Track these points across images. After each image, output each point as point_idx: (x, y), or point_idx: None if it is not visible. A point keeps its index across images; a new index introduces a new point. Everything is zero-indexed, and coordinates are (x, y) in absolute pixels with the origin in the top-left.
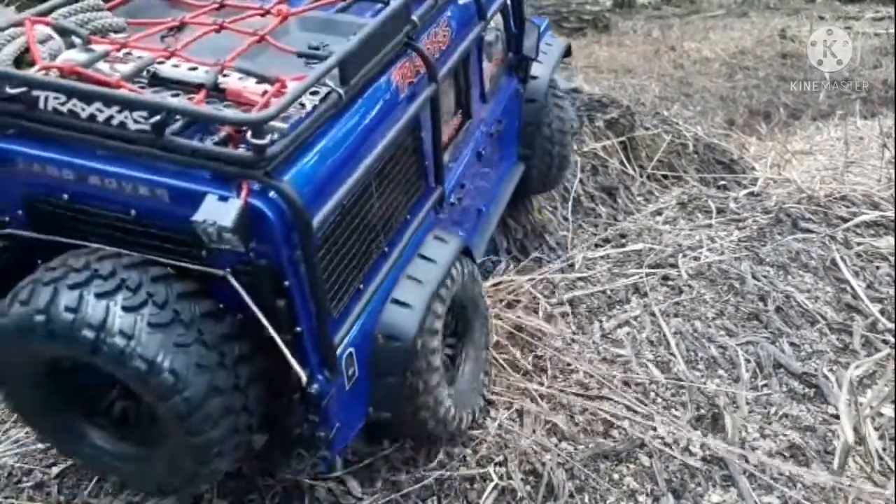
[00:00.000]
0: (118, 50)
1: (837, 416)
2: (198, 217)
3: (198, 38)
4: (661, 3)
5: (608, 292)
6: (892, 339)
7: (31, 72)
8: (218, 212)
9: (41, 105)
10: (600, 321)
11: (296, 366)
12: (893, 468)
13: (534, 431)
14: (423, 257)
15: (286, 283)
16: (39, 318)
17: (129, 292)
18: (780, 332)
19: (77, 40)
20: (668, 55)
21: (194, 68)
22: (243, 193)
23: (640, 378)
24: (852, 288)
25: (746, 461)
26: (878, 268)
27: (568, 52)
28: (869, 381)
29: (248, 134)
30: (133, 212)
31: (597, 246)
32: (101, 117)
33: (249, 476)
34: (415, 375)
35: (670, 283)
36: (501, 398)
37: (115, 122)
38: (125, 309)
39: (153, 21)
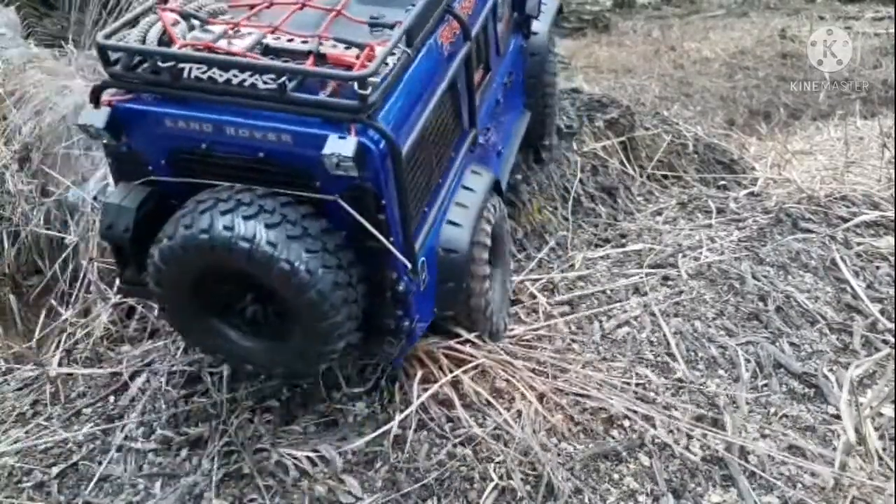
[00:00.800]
0: (232, 28)
1: (837, 416)
2: (325, 151)
3: (289, 15)
4: (661, 3)
5: (608, 292)
6: (892, 339)
7: (174, 49)
8: (341, 146)
9: (185, 75)
10: (600, 321)
11: (403, 258)
12: (893, 468)
13: (534, 431)
14: (466, 187)
15: (383, 201)
16: (204, 236)
17: (267, 214)
18: (780, 332)
19: (196, 23)
20: (668, 55)
21: (291, 40)
22: (353, 132)
23: (640, 378)
24: (852, 288)
25: (746, 460)
26: (878, 268)
27: (560, 10)
28: (869, 381)
29: (355, 86)
30: (261, 154)
31: (597, 246)
32: (235, 81)
33: (251, 475)
34: (470, 281)
35: (670, 283)
36: (501, 398)
37: (246, 84)
38: (267, 226)
39: (246, 3)
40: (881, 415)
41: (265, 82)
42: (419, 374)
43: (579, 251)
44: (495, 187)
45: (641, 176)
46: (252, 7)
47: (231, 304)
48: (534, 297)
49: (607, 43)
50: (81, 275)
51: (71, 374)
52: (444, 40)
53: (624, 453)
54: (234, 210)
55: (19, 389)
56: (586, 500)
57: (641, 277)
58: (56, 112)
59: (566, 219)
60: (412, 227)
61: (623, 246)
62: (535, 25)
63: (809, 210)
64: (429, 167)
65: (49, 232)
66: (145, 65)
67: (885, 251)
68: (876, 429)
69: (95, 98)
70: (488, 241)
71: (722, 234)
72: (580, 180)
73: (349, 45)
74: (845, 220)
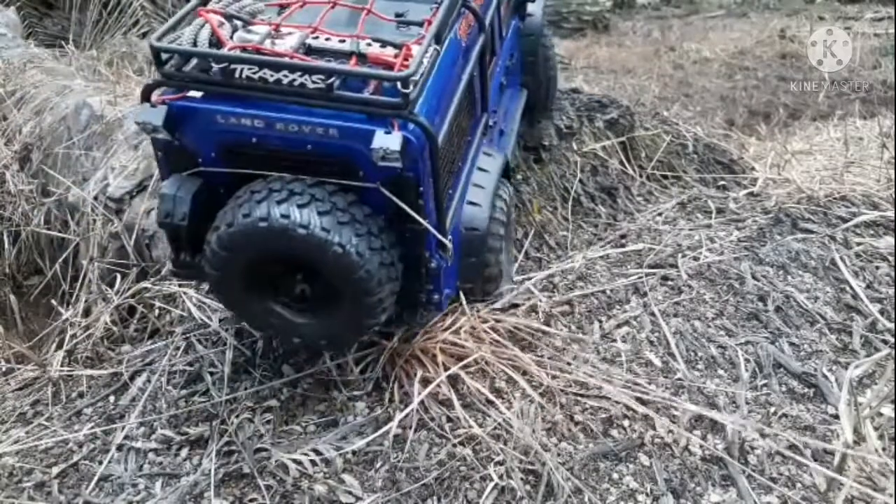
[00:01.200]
0: (275, 29)
1: (837, 416)
2: (374, 145)
3: (325, 14)
4: (660, 3)
5: (608, 292)
6: (892, 339)
7: (224, 50)
8: (388, 141)
9: (237, 75)
10: (600, 321)
11: (443, 239)
12: (893, 468)
13: (534, 431)
14: (481, 169)
15: (421, 188)
16: (263, 224)
17: (319, 203)
18: (780, 331)
19: (239, 24)
20: (668, 55)
21: (329, 39)
22: (397, 127)
23: (639, 378)
24: (852, 288)
25: (746, 460)
26: (877, 268)
27: None
28: (869, 381)
29: (398, 85)
30: (308, 146)
31: (597, 246)
32: (285, 80)
33: (251, 475)
34: (488, 254)
35: (670, 283)
36: (501, 398)
37: (296, 83)
38: (320, 213)
39: (280, 3)
40: (881, 415)
41: (314, 81)
42: (419, 373)
43: (579, 251)
44: (505, 167)
45: (641, 176)
46: (288, 6)
47: (280, 283)
48: (534, 296)
49: (607, 43)
50: (82, 275)
51: (71, 374)
52: (462, 34)
53: (624, 453)
54: (288, 199)
55: (20, 389)
56: (586, 500)
57: (641, 277)
58: (56, 112)
59: (566, 219)
60: (444, 211)
61: (623, 246)
62: (531, 7)
63: (809, 210)
64: (453, 154)
65: (49, 232)
66: (193, 65)
67: (885, 251)
68: (876, 429)
69: (146, 97)
70: (504, 218)
71: (721, 234)
72: (580, 180)
73: (385, 44)
74: (845, 221)
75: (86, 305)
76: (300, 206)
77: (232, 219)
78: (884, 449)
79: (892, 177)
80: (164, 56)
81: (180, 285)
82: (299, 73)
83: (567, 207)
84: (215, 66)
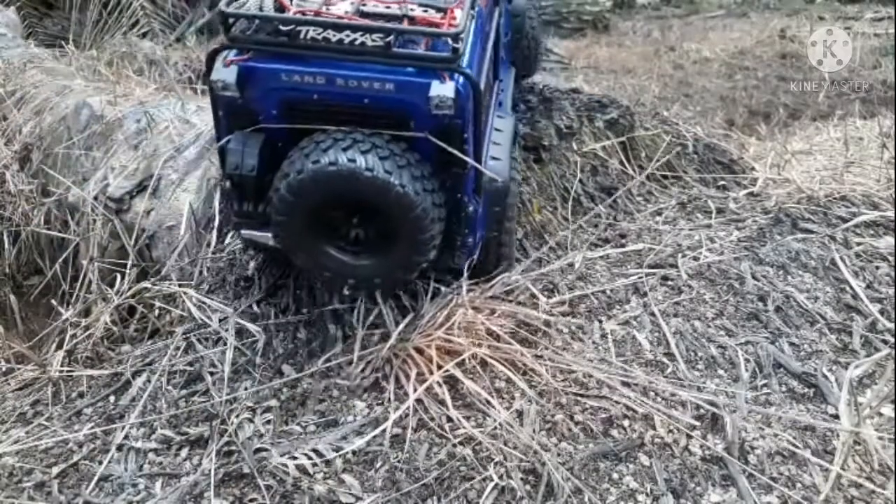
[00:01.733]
0: None
1: (837, 416)
2: (431, 94)
3: None
4: (660, 3)
5: (608, 292)
6: (892, 339)
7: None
8: (443, 90)
9: (302, 36)
10: (600, 321)
11: (492, 175)
12: (893, 468)
13: (534, 431)
14: (497, 129)
15: (466, 135)
16: (332, 168)
17: (379, 149)
18: (780, 331)
19: None
20: (668, 55)
21: (377, 5)
22: (448, 79)
23: (639, 378)
24: (852, 288)
25: (746, 460)
26: (877, 268)
27: None
28: (869, 381)
29: (449, 41)
30: (366, 100)
31: (597, 246)
32: (346, 40)
33: (251, 475)
34: (509, 206)
35: (670, 283)
36: (501, 397)
37: (357, 42)
38: (381, 158)
39: None
40: (881, 415)
41: (373, 40)
42: (413, 373)
43: (579, 251)
44: (515, 131)
45: (641, 176)
46: None
47: (338, 228)
48: (534, 296)
49: (607, 43)
50: (82, 275)
51: (71, 374)
52: (482, 3)
53: (624, 453)
54: (352, 146)
55: (20, 389)
56: (586, 500)
57: (641, 277)
58: (56, 112)
59: (566, 219)
60: (482, 158)
61: (623, 246)
62: None
63: (809, 210)
64: (484, 109)
65: (49, 232)
66: (256, 28)
67: (885, 251)
68: (875, 429)
69: (210, 61)
70: (518, 177)
71: (721, 234)
72: (580, 180)
73: (429, 7)
74: (845, 221)
75: (86, 305)
76: (364, 152)
77: (301, 166)
78: (884, 448)
79: (892, 177)
80: (231, 21)
81: (180, 285)
82: (360, 34)
83: (567, 207)
84: (283, 28)
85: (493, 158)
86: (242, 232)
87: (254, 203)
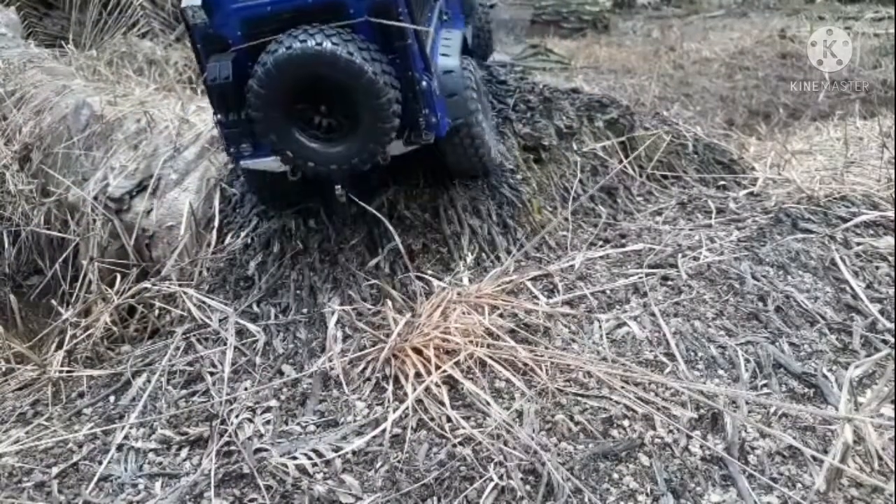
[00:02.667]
0: None
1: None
2: None
3: None
4: (660, 3)
5: (608, 292)
6: (892, 339)
7: None
8: None
9: None
10: (600, 321)
11: (443, 64)
12: (893, 468)
13: (534, 431)
14: (445, 38)
15: (399, 9)
16: (298, 52)
17: (334, 35)
18: (780, 332)
19: None
20: (668, 55)
21: None
22: None
23: (639, 378)
24: (852, 288)
25: (746, 461)
26: (877, 268)
27: None
28: (869, 381)
29: None
30: (310, 1)
31: (597, 246)
32: None
33: (251, 475)
34: (466, 95)
35: (670, 283)
36: (501, 397)
37: None
38: (344, 41)
39: None
40: (881, 415)
41: None
42: (416, 373)
43: (579, 251)
44: (464, 42)
45: (641, 176)
46: None
47: (310, 121)
48: (534, 297)
49: (607, 43)
50: (82, 275)
51: (71, 374)
52: None
53: (623, 453)
54: (319, 34)
55: (20, 389)
56: (586, 500)
57: (641, 277)
58: (56, 112)
59: (566, 219)
60: (422, 33)
61: (623, 246)
62: None
63: (809, 210)
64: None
65: (49, 232)
66: None
67: (885, 251)
68: (875, 429)
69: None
70: (473, 85)
71: (721, 234)
72: (580, 180)
73: None
74: (845, 221)
75: (86, 305)
76: (328, 36)
77: (275, 50)
78: (884, 449)
79: (892, 177)
80: None
81: (180, 285)
82: None
83: (567, 207)
84: None
85: (444, 55)
86: (242, 162)
87: (237, 111)
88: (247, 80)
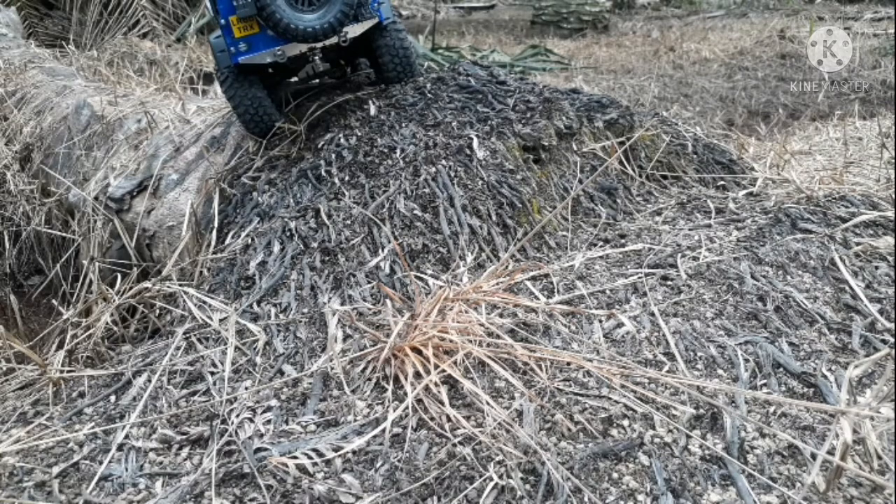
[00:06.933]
0: None
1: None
2: None
3: None
4: (660, 3)
5: (607, 292)
6: (892, 339)
7: None
8: None
9: None
10: (600, 321)
11: None
12: (893, 468)
13: (533, 431)
14: None
15: None
16: None
17: None
18: (779, 331)
19: None
20: (668, 56)
21: None
22: None
23: (639, 378)
24: (851, 288)
25: (745, 460)
26: (876, 268)
27: None
28: (869, 381)
29: None
30: None
31: (596, 246)
32: None
33: (251, 475)
34: (395, 16)
35: (669, 283)
36: (500, 397)
37: None
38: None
39: None
40: (881, 414)
41: None
42: (415, 372)
43: (579, 251)
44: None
45: (641, 176)
46: None
47: None
48: (533, 296)
49: (607, 43)
50: (82, 275)
51: (72, 374)
52: None
53: (623, 453)
54: None
55: (20, 389)
56: (585, 500)
57: (641, 277)
58: (56, 112)
59: (566, 219)
60: None
61: (622, 246)
62: None
63: (808, 210)
64: None
65: (50, 232)
66: None
67: (884, 251)
68: (875, 429)
69: None
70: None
71: (721, 234)
72: (580, 180)
73: None
74: (844, 221)
75: (86, 305)
76: None
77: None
78: (883, 449)
79: (892, 177)
80: None
81: (181, 285)
82: None
83: (567, 208)
84: None
85: None
86: (240, 59)
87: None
88: None
